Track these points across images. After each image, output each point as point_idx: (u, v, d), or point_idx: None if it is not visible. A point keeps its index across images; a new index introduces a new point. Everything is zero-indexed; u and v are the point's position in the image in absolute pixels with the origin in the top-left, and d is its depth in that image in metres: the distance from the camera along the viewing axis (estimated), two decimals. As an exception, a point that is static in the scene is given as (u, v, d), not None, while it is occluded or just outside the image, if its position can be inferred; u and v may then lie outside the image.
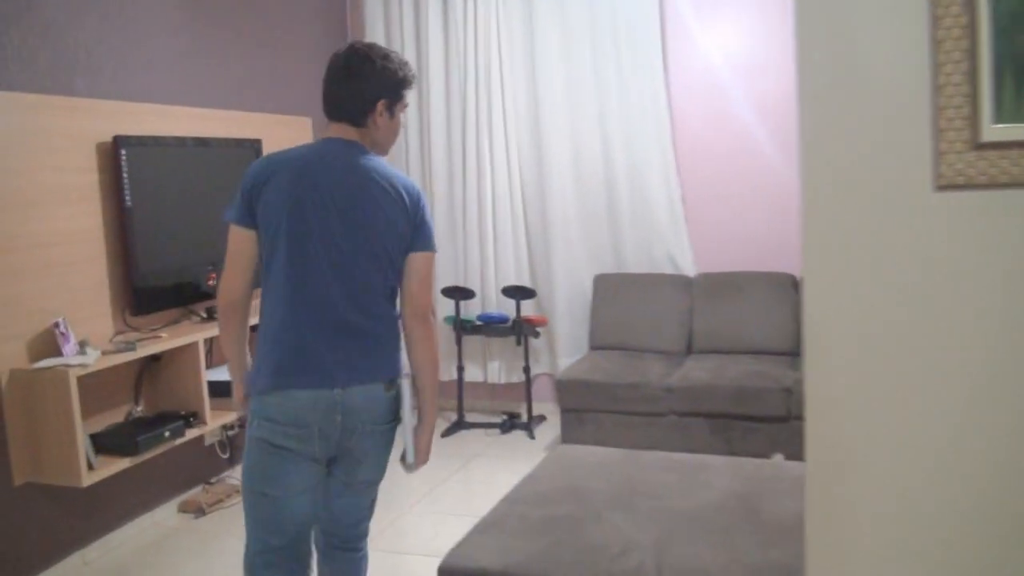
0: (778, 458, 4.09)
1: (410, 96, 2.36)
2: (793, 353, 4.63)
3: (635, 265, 5.09)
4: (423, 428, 2.37)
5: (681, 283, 4.91)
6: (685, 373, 4.39)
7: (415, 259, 2.28)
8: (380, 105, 2.25)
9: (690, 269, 5.00)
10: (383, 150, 2.35)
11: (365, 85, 2.24)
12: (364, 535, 2.48)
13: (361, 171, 2.22)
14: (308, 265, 2.17)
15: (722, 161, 4.94)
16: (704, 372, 4.36)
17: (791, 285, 4.70)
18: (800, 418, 4.20)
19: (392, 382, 2.27)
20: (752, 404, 4.16)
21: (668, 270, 5.03)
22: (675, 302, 4.87)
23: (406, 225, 2.24)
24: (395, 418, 2.31)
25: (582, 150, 5.09)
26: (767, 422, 4.18)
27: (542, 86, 5.07)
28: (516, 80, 5.15)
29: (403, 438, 2.35)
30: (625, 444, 4.36)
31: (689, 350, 4.84)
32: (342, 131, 2.27)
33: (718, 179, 4.96)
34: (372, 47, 2.28)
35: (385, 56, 2.26)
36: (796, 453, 4.10)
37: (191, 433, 3.70)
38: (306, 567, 2.38)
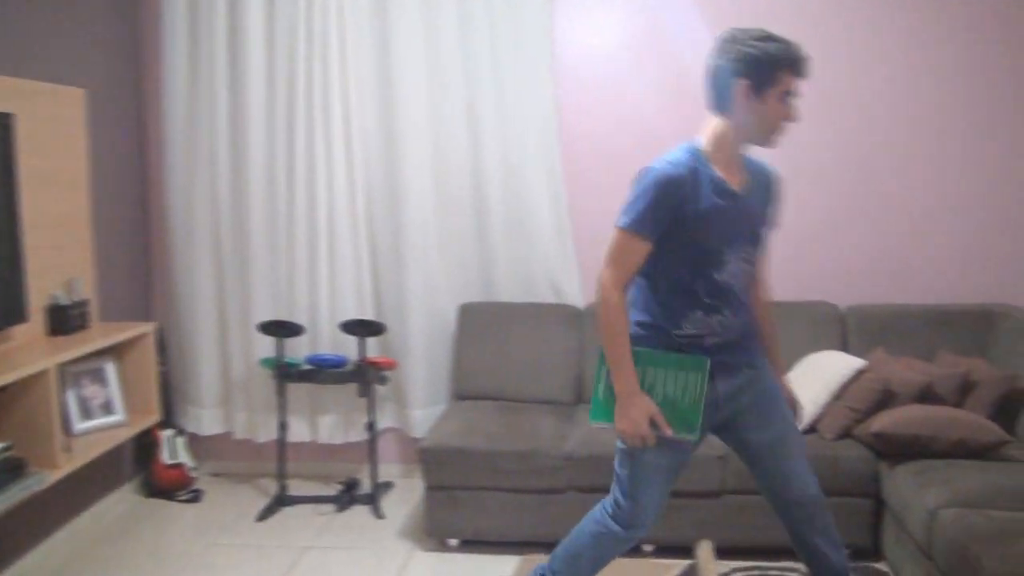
0: (705, 547, 3.22)
1: (798, 84, 2.21)
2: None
3: (509, 292, 4.08)
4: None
5: (568, 315, 3.96)
6: (586, 436, 3.41)
7: None
8: (740, 87, 2.18)
9: (578, 299, 4.05)
10: (761, 139, 2.26)
11: (722, 65, 2.21)
12: None
13: None
14: None
15: (621, 166, 4.02)
16: (611, 434, 3.40)
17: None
18: (737, 492, 3.40)
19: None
20: (677, 477, 3.25)
21: (551, 299, 4.06)
22: (561, 339, 3.91)
23: None
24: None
25: (446, 147, 3.99)
26: (694, 498, 3.29)
27: (396, 65, 3.93)
28: (361, 57, 3.98)
29: None
30: (514, 530, 3.39)
31: (579, 398, 3.89)
32: (710, 123, 2.27)
33: (615, 188, 4.03)
34: (746, 29, 2.21)
35: (757, 36, 2.18)
36: (729, 538, 3.28)
37: None
38: None
